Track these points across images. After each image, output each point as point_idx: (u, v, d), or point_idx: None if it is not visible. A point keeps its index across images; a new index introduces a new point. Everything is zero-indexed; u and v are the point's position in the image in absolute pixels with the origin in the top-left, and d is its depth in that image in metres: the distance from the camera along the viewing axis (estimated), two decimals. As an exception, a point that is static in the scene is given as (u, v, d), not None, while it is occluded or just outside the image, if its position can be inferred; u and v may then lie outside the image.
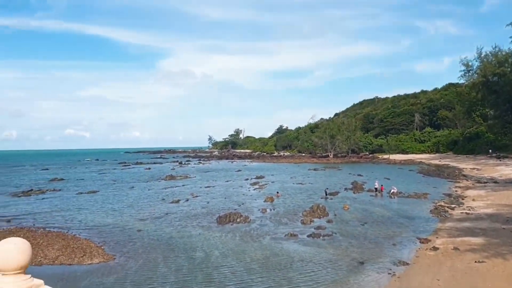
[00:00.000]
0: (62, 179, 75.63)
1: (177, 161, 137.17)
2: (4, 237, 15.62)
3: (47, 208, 41.37)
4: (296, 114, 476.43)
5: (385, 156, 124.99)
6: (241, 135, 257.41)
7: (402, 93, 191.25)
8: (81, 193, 53.91)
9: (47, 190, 57.57)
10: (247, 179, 68.61)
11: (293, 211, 36.45)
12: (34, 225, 32.85)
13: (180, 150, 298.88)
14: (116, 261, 22.28)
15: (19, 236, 22.71)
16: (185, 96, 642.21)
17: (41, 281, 2.68)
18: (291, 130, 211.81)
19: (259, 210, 37.38)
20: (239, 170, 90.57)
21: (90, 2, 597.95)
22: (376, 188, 47.68)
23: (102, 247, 25.04)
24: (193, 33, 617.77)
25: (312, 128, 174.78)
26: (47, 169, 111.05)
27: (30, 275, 2.78)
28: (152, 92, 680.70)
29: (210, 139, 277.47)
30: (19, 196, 51.96)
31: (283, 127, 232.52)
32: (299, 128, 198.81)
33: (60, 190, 58.06)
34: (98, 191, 55.38)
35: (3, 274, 2.38)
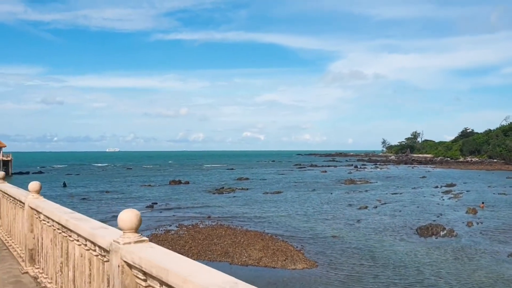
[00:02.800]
0: (247, 179, 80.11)
1: (352, 165, 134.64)
2: (211, 233, 22.79)
3: (239, 206, 43.43)
4: (482, 116, 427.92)
5: None
6: (418, 139, 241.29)
7: None
8: (267, 193, 55.83)
9: (236, 188, 61.19)
10: (436, 187, 62.82)
11: (508, 225, 31.24)
12: (232, 222, 34.31)
13: (351, 153, 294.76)
14: (319, 269, 21.35)
15: (220, 233, 22.57)
16: (356, 98, 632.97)
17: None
18: (479, 133, 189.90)
19: (462, 222, 33.07)
20: (424, 177, 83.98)
21: (266, 13, 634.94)
22: None
23: (302, 252, 24.47)
24: (363, 34, 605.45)
25: (506, 130, 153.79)
26: (232, 169, 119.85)
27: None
28: (322, 95, 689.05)
29: (383, 142, 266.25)
30: (213, 194, 56.10)
31: (468, 130, 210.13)
32: (490, 130, 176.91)
33: (247, 189, 61.12)
34: (282, 192, 56.70)
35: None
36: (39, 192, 6.35)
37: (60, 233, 4.79)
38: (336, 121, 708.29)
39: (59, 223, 4.73)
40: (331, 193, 55.16)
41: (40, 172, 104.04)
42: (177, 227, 32.21)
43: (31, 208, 6.19)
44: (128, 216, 3.17)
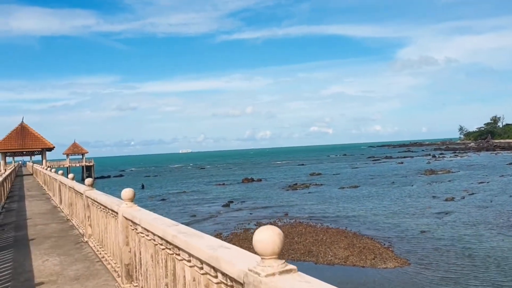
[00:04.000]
0: (319, 174, 78.55)
1: (429, 155, 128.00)
2: (291, 231, 20.55)
3: (315, 202, 42.29)
4: None
5: None
6: (499, 123, 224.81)
7: None
8: (343, 187, 54.12)
9: (310, 184, 59.97)
10: (529, 174, 57.70)
11: None
12: (310, 219, 33.31)
13: (427, 142, 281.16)
14: (412, 267, 19.77)
15: (300, 231, 21.02)
16: (428, 85, 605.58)
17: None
18: None
19: None
20: (511, 163, 77.74)
21: (327, 4, 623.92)
22: None
23: (390, 249, 22.94)
24: (431, 17, 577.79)
25: None
26: (303, 164, 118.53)
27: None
28: (391, 84, 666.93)
29: (461, 129, 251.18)
30: (287, 190, 55.34)
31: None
32: None
33: (322, 184, 59.69)
34: (359, 186, 54.71)
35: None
36: (133, 200, 5.80)
37: (163, 249, 4.11)
38: (408, 110, 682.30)
39: (162, 238, 4.05)
40: (412, 185, 52.33)
41: (120, 176, 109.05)
42: (255, 225, 31.78)
43: (126, 219, 5.64)
44: (269, 236, 2.27)
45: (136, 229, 5.22)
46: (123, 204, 5.83)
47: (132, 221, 5.38)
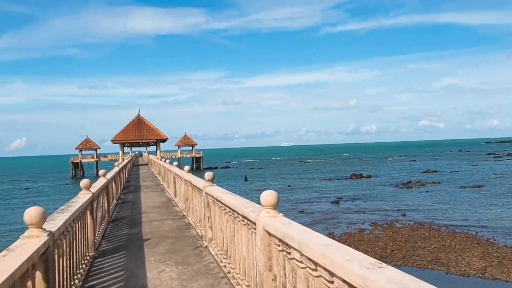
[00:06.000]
0: (435, 171, 72.55)
1: None
2: (412, 234, 24.89)
3: (434, 202, 38.59)
4: None
5: None
6: None
7: None
8: (464, 187, 48.95)
9: (426, 182, 55.31)
10: None
11: None
12: (433, 222, 30.01)
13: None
14: None
15: (422, 234, 16.87)
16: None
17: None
18: None
19: None
20: None
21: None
22: None
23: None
24: None
25: None
26: (415, 160, 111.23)
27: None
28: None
29: None
30: (401, 188, 51.53)
31: None
32: None
33: (439, 183, 54.72)
34: (483, 186, 49.05)
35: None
36: (276, 206, 4.20)
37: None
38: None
39: (346, 281, 2.34)
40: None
41: (227, 167, 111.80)
42: (370, 225, 29.45)
43: (269, 234, 4.06)
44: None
45: (289, 253, 3.58)
46: (263, 212, 4.24)
47: (280, 240, 3.75)
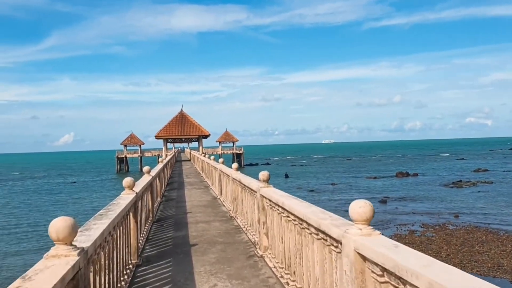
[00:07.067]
0: (486, 170, 68.90)
1: None
2: (467, 237, 23.54)
3: (488, 203, 36.49)
4: None
5: None
6: None
7: None
8: (523, 188, 45.87)
9: (477, 182, 52.42)
10: None
11: None
12: (489, 225, 28.05)
13: None
14: None
15: (480, 238, 14.65)
16: None
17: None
18: None
19: None
20: None
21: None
22: None
23: None
24: None
25: None
26: (463, 159, 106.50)
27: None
28: None
29: None
30: (450, 188, 49.03)
31: None
32: None
33: (492, 182, 51.75)
34: (542, 188, 45.80)
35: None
36: (370, 222, 3.19)
37: None
38: None
39: None
40: None
41: (267, 164, 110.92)
42: (421, 227, 27.88)
43: (363, 258, 3.06)
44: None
45: (387, 280, 2.57)
46: (353, 228, 3.24)
47: (383, 268, 2.75)
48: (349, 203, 3.35)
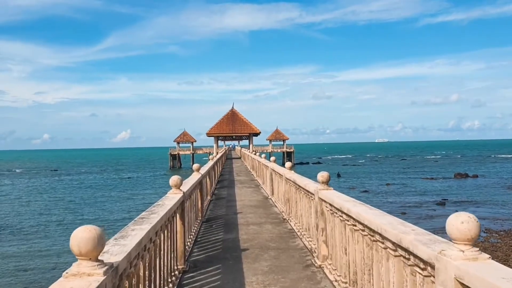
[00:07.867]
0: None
1: None
2: None
3: None
4: None
5: None
6: None
7: None
8: None
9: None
10: None
11: None
12: None
13: None
14: None
15: None
16: None
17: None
18: None
19: None
20: None
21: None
22: None
23: None
24: None
25: None
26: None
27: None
28: None
29: None
30: (517, 191, 45.87)
31: None
32: None
33: None
34: None
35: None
36: (474, 241, 2.43)
37: None
38: None
39: None
40: None
41: (318, 163, 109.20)
42: (484, 232, 26.00)
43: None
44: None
45: None
46: (451, 249, 2.48)
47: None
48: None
